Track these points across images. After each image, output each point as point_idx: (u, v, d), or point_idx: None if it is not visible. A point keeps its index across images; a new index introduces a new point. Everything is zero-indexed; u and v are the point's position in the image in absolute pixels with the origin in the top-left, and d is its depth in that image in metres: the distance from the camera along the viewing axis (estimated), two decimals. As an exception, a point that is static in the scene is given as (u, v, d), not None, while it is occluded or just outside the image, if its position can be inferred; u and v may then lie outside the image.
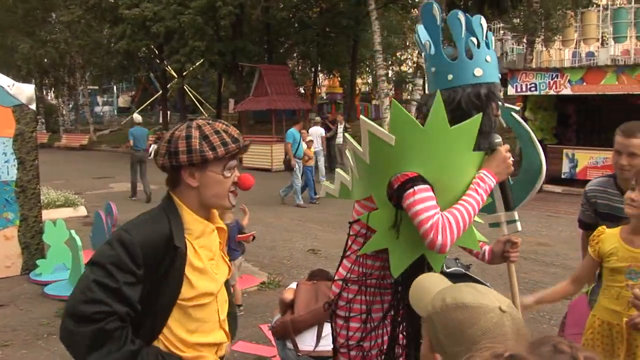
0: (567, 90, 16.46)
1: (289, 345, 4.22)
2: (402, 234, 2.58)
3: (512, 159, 2.72)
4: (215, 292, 2.33)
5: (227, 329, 2.44)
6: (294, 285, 4.53)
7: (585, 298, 3.81)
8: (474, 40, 2.62)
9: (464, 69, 2.61)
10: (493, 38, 2.74)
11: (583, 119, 18.14)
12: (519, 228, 3.06)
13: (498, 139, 2.69)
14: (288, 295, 4.38)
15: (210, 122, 2.28)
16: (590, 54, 25.01)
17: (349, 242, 2.89)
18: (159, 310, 2.18)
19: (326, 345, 4.11)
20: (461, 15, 2.60)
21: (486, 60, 2.64)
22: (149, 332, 2.18)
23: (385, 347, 2.83)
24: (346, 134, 2.91)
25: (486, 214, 3.14)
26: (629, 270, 2.97)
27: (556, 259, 8.81)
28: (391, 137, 2.49)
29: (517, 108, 3.19)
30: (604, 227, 3.20)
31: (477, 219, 3.06)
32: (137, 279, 2.08)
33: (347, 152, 2.86)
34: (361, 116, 2.67)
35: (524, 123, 3.14)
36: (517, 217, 3.08)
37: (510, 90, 17.12)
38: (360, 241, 2.80)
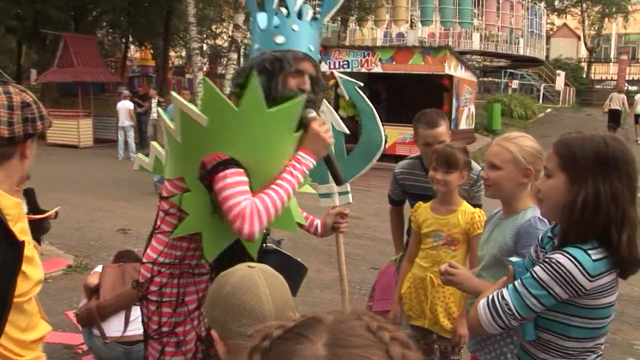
0: (377, 69, 17.25)
1: (96, 332, 4.02)
2: (216, 217, 2.50)
3: (328, 130, 2.65)
4: (43, 279, 2.07)
5: (45, 317, 2.18)
6: (99, 268, 4.32)
7: (394, 265, 4.08)
8: (284, 10, 2.60)
9: (268, 37, 2.59)
10: (310, 11, 2.72)
11: (392, 96, 19.07)
12: (350, 200, 3.24)
13: (311, 113, 2.62)
14: (93, 280, 4.16)
15: (22, 90, 2.00)
16: (400, 35, 26.34)
17: (158, 221, 2.76)
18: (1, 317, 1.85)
19: (135, 329, 3.96)
20: None
21: (292, 29, 2.60)
22: None
23: (203, 333, 2.77)
24: (159, 109, 2.80)
25: (318, 184, 3.20)
26: (434, 234, 3.41)
27: (366, 231, 9.19)
28: (203, 117, 2.39)
29: (361, 83, 3.26)
30: (420, 202, 3.58)
31: (309, 189, 3.10)
32: None
33: (162, 127, 2.75)
34: (173, 93, 2.55)
35: (366, 98, 3.22)
36: (349, 189, 3.20)
37: (324, 67, 17.56)
38: (169, 221, 2.68)
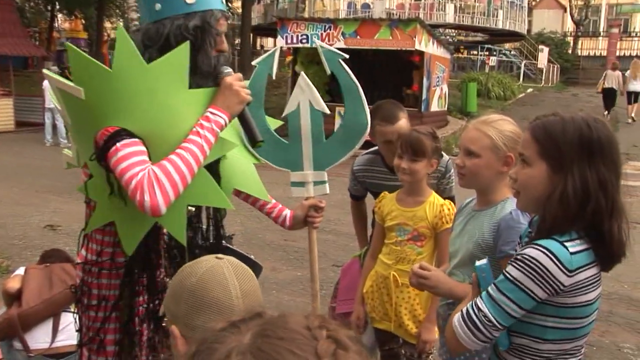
0: (340, 44, 17.19)
1: (17, 345, 3.93)
2: (126, 201, 2.39)
3: (244, 87, 2.56)
4: None
5: None
6: (21, 270, 4.22)
7: (358, 262, 4.09)
8: None
9: None
10: None
11: (357, 75, 19.07)
12: (327, 190, 3.17)
13: (227, 69, 2.56)
14: (14, 284, 4.06)
15: None
16: (365, 6, 26.41)
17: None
18: None
19: (64, 339, 3.90)
20: None
21: None
22: None
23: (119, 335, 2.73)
24: (49, 91, 2.71)
25: (290, 171, 3.14)
26: (398, 227, 3.43)
27: (327, 225, 9.03)
28: (78, 89, 2.32)
29: (346, 55, 3.15)
30: (386, 192, 3.61)
31: (251, 158, 3.01)
32: None
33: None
34: (44, 70, 2.48)
35: (351, 73, 3.15)
36: (326, 178, 3.13)
37: (280, 42, 17.49)
38: (89, 213, 2.68)
